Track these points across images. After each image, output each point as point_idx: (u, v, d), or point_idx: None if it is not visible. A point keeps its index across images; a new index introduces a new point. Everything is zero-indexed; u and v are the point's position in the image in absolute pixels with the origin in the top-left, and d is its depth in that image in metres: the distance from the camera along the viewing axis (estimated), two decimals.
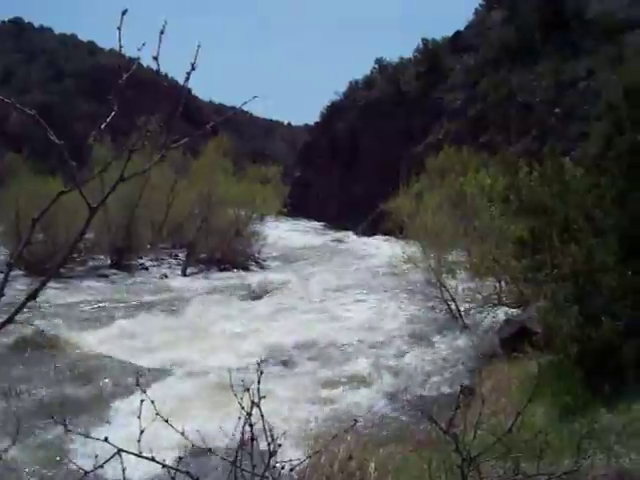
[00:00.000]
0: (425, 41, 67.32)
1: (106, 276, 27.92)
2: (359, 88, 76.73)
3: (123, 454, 2.38)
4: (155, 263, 32.52)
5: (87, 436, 2.43)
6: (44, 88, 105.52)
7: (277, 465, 2.70)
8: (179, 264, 32.32)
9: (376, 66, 77.19)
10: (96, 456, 2.31)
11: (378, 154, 59.95)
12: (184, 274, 30.08)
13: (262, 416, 2.42)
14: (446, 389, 12.37)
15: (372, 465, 7.52)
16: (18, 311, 1.81)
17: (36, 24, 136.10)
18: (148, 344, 15.43)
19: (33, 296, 1.83)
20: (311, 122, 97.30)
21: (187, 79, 1.91)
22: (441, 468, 4.41)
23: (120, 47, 2.00)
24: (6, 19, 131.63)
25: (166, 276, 29.34)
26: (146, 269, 31.03)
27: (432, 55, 64.53)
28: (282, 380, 12.78)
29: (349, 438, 8.29)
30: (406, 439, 8.84)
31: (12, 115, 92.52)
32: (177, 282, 26.97)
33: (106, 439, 2.37)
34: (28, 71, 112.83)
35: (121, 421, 9.81)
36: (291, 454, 2.67)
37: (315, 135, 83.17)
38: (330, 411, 11.14)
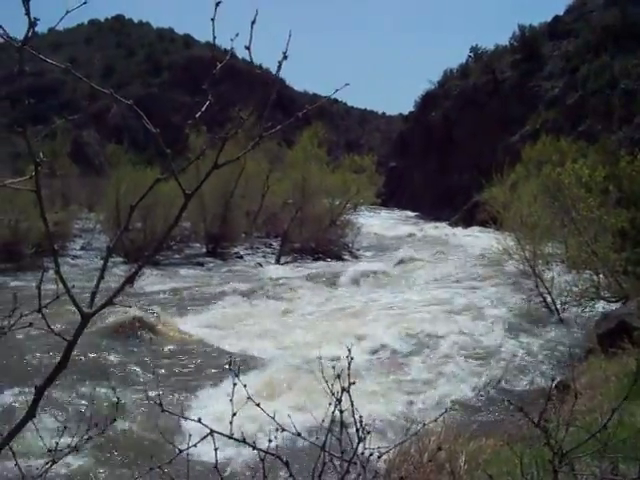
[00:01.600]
0: (522, 28, 65.91)
1: (202, 264, 28.47)
2: (454, 77, 75.88)
3: (215, 435, 2.46)
4: (250, 252, 32.98)
5: (181, 416, 2.51)
6: (143, 81, 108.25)
7: (365, 451, 2.72)
8: (273, 253, 32.69)
9: (471, 54, 76.16)
10: (190, 436, 2.39)
11: (473, 144, 59.21)
12: (278, 263, 30.39)
13: (352, 402, 2.44)
14: (539, 383, 12.11)
15: (462, 457, 7.45)
16: (117, 293, 1.88)
17: (135, 20, 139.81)
18: (242, 330, 15.71)
19: (131, 279, 1.91)
20: (406, 112, 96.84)
21: (279, 68, 1.93)
22: (533, 464, 4.35)
23: (214, 38, 2.03)
24: (109, 16, 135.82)
25: (260, 265, 29.71)
26: (241, 257, 31.51)
27: (529, 42, 63.11)
28: (372, 368, 12.82)
29: (439, 429, 8.23)
30: (497, 432, 8.73)
31: (113, 108, 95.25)
32: (271, 271, 27.24)
33: (199, 420, 2.44)
34: (128, 65, 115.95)
35: (214, 404, 10.02)
36: (379, 443, 2.66)
37: (410, 125, 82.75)
38: (420, 401, 11.11)
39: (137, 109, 1.80)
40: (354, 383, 2.43)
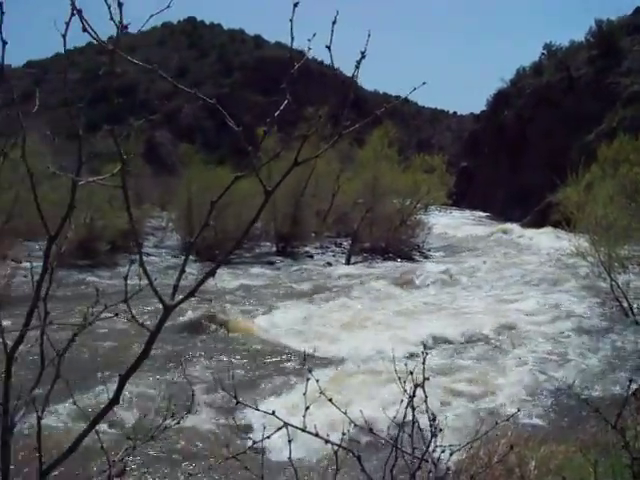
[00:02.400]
0: (599, 22, 64.17)
1: (272, 263, 28.71)
2: (527, 75, 74.51)
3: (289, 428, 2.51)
4: (320, 251, 33.11)
5: (256, 409, 2.56)
6: (215, 82, 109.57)
7: (437, 449, 2.74)
8: (343, 253, 32.74)
9: (545, 51, 74.62)
10: (264, 428, 2.44)
11: (546, 143, 58.09)
12: (348, 262, 30.42)
13: (426, 397, 2.46)
14: (614, 390, 11.77)
15: (532, 462, 7.37)
16: (198, 286, 1.95)
17: (207, 21, 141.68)
18: (312, 329, 15.80)
19: (211, 273, 1.97)
20: (477, 111, 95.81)
21: (357, 67, 1.95)
22: (609, 472, 4.28)
23: (292, 39, 2.07)
24: (181, 18, 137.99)
25: (330, 264, 29.79)
26: (311, 257, 31.65)
27: (606, 37, 61.32)
28: (442, 367, 12.74)
29: (509, 433, 8.16)
30: (569, 438, 8.58)
31: (185, 108, 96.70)
32: (341, 270, 27.31)
33: (273, 412, 2.50)
34: (201, 66, 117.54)
35: (285, 398, 10.16)
36: (447, 442, 2.68)
37: (481, 124, 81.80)
38: (489, 403, 10.99)
39: (220, 108, 1.85)
40: (428, 379, 2.45)
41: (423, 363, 2.46)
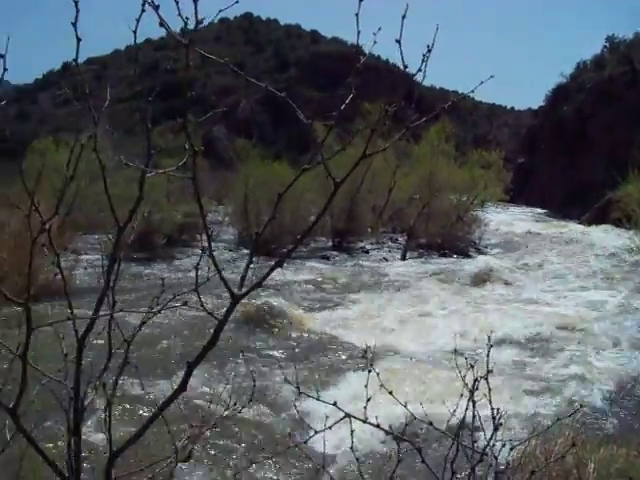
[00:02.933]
0: None
1: (328, 258, 28.74)
2: (587, 69, 73.32)
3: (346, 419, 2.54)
4: (375, 246, 33.06)
5: (318, 399, 2.60)
6: (271, 77, 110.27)
7: (497, 443, 2.74)
8: (399, 248, 32.64)
9: (607, 44, 73.31)
10: (327, 417, 2.48)
11: (607, 139, 57.13)
12: (404, 258, 30.32)
13: (489, 389, 2.47)
14: None
15: (591, 465, 7.26)
16: (266, 277, 1.99)
17: (263, 17, 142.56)
18: (368, 324, 15.81)
19: (279, 264, 2.01)
20: (536, 106, 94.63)
21: (424, 61, 1.95)
22: None
23: (358, 33, 2.08)
24: (237, 14, 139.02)
25: (386, 259, 29.73)
26: (366, 252, 31.62)
27: None
28: (500, 363, 12.61)
29: (567, 432, 8.04)
30: (630, 442, 8.42)
31: (242, 103, 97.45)
32: (397, 266, 27.23)
33: (335, 404, 2.53)
34: (257, 61, 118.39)
35: (344, 390, 10.20)
36: (504, 438, 2.69)
37: (539, 120, 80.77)
38: (548, 400, 10.85)
39: (290, 101, 1.88)
40: (491, 371, 2.45)
41: (487, 356, 2.46)
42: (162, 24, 1.72)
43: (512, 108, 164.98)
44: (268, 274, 2.01)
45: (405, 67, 1.85)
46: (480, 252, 33.35)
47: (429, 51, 2.00)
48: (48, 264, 15.86)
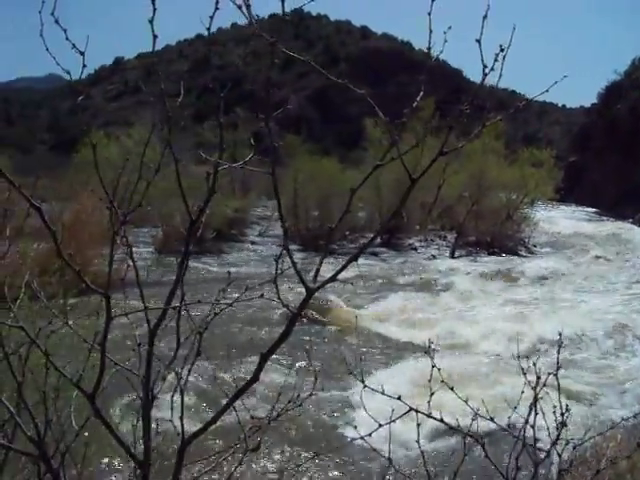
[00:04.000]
0: None
1: (376, 254, 28.72)
2: None
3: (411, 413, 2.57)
4: (424, 244, 32.96)
5: (383, 393, 2.62)
6: (321, 73, 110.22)
7: (559, 441, 2.74)
8: (447, 246, 32.51)
9: None
10: (393, 410, 2.51)
11: None
12: (452, 256, 30.21)
13: (559, 386, 2.47)
14: None
15: None
16: (341, 271, 2.02)
17: (314, 12, 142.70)
18: (415, 320, 15.79)
19: (355, 258, 2.04)
20: (588, 104, 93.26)
21: (496, 60, 1.94)
22: None
23: (430, 32, 2.07)
24: (288, 10, 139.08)
25: (434, 257, 29.66)
26: (415, 249, 31.56)
27: None
28: (551, 365, 12.49)
29: (619, 436, 7.94)
30: None
31: (291, 99, 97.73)
32: (445, 263, 27.13)
33: (399, 398, 2.56)
34: (306, 56, 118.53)
35: (402, 386, 10.22)
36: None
37: (592, 118, 79.52)
38: (593, 408, 10.73)
39: (369, 99, 1.90)
40: (560, 367, 2.45)
41: (558, 353, 2.46)
42: (251, 22, 1.76)
43: (564, 106, 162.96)
44: (343, 268, 2.05)
45: (485, 67, 1.86)
46: (530, 251, 33.05)
47: (502, 50, 1.98)
48: (100, 256, 16.10)
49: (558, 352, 2.50)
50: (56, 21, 2.05)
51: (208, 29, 2.16)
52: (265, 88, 1.98)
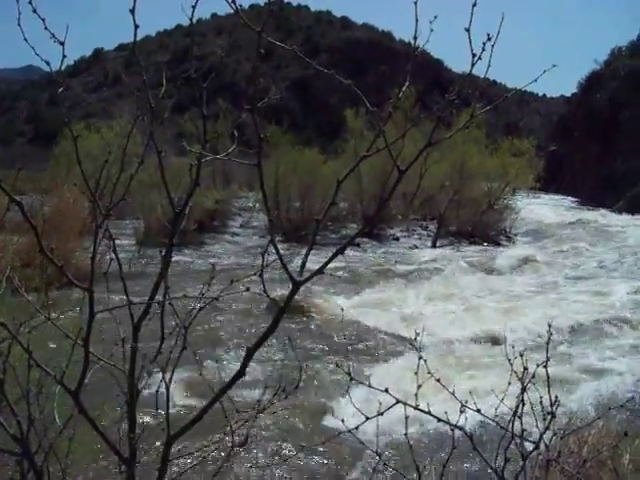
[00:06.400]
0: None
1: (358, 245, 28.57)
2: (622, 55, 72.10)
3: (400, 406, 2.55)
4: (405, 234, 33.02)
5: (369, 386, 2.60)
6: (301, 63, 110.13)
7: (548, 432, 2.73)
8: (429, 236, 32.60)
9: None
10: (380, 403, 2.48)
11: None
12: (434, 246, 30.30)
13: (548, 377, 2.46)
14: None
15: (627, 456, 7.19)
16: (327, 264, 1.99)
17: (294, 3, 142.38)
18: (399, 311, 15.79)
19: (341, 250, 2.01)
20: (568, 94, 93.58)
21: (483, 50, 1.93)
22: None
23: (416, 21, 2.05)
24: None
25: (416, 247, 29.73)
26: (397, 239, 31.61)
27: None
28: (532, 355, 12.54)
29: (601, 424, 7.97)
30: None
31: (271, 89, 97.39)
32: (427, 253, 27.18)
33: (386, 390, 2.53)
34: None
35: (385, 378, 10.22)
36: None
37: (572, 107, 79.72)
38: (581, 393, 10.77)
39: (356, 90, 1.87)
40: (549, 359, 2.44)
41: (547, 343, 2.45)
42: (237, 11, 1.73)
43: (544, 95, 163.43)
44: (329, 261, 2.02)
45: (474, 55, 1.83)
46: (511, 240, 33.21)
47: (489, 39, 1.96)
48: (81, 249, 16.00)
49: (547, 343, 2.49)
50: (34, 10, 2.01)
51: (190, 19, 2.12)
52: (252, 78, 1.94)
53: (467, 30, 1.87)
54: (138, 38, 2.15)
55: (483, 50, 1.96)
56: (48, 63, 2.12)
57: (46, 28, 2.08)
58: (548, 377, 2.49)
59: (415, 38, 2.01)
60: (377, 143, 2.02)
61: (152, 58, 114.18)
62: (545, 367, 2.48)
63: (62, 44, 2.11)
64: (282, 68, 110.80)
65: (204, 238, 27.91)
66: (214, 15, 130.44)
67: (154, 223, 24.56)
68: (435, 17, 2.05)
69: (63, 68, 2.15)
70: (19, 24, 2.11)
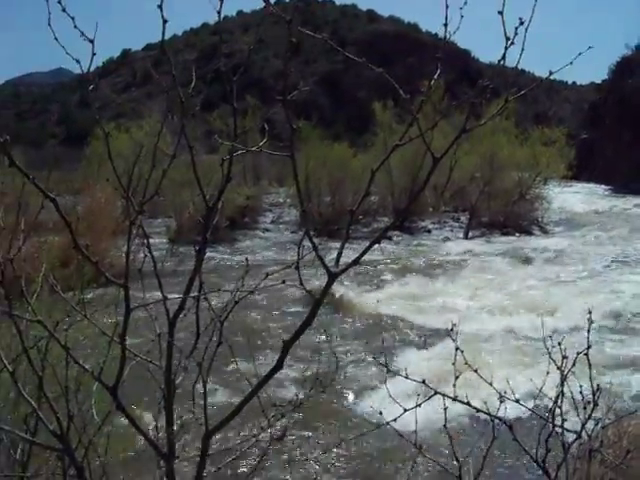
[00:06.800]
0: None
1: (390, 238, 28.59)
2: None
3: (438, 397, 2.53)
4: (437, 226, 32.89)
5: (407, 377, 2.58)
6: (328, 58, 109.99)
7: (588, 422, 2.69)
8: (461, 227, 32.43)
9: None
10: (418, 395, 2.47)
11: None
12: (466, 237, 30.15)
13: (589, 366, 2.42)
14: None
15: None
16: (363, 254, 1.98)
17: None
18: (434, 303, 15.73)
19: (377, 241, 1.99)
20: (599, 80, 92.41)
21: (512, 42, 1.89)
22: None
23: (447, 7, 2.01)
24: None
25: (448, 239, 29.61)
26: (428, 232, 31.51)
27: None
28: (570, 345, 12.39)
29: None
30: None
31: (300, 85, 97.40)
32: (459, 245, 27.06)
33: (424, 381, 2.52)
34: (314, 42, 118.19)
35: (423, 370, 10.19)
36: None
37: (603, 94, 78.74)
38: (619, 385, 10.63)
39: (387, 76, 1.85)
40: (590, 347, 2.40)
41: (588, 332, 2.41)
42: (266, 2, 1.71)
43: (574, 83, 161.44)
44: (365, 252, 2.01)
45: (507, 39, 1.79)
46: (543, 230, 32.92)
47: (522, 23, 1.92)
48: (115, 248, 16.13)
49: (588, 331, 2.45)
50: (63, 9, 2.01)
51: (219, 12, 2.11)
52: (284, 69, 1.93)
53: (500, 13, 1.83)
54: (165, 37, 2.15)
55: (516, 34, 1.92)
56: (78, 61, 2.13)
57: (75, 26, 2.08)
58: (590, 365, 2.46)
59: (445, 25, 1.97)
60: (409, 132, 2.01)
61: (179, 57, 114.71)
62: (586, 355, 2.44)
63: (92, 42, 2.11)
64: (310, 63, 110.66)
65: (236, 235, 28.02)
66: (240, 12, 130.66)
67: (186, 221, 24.72)
68: (465, 3, 2.02)
69: (93, 68, 2.15)
70: (49, 24, 2.12)
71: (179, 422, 2.38)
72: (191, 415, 2.39)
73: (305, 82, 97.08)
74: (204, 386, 2.32)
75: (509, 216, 32.38)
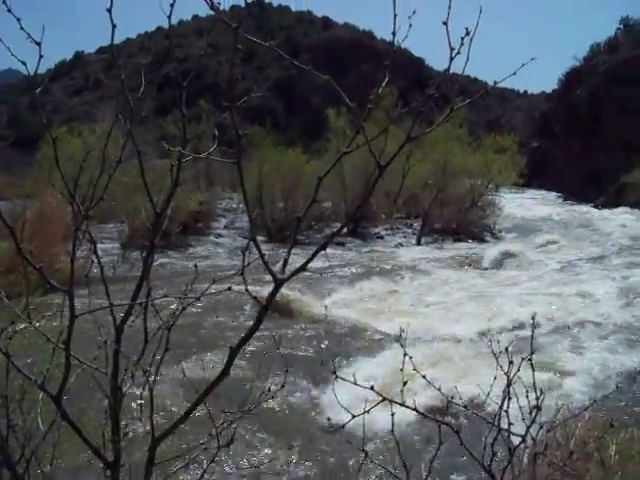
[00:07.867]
0: None
1: (342, 244, 28.72)
2: (601, 52, 72.45)
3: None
4: (390, 232, 33.08)
5: (355, 383, 2.59)
6: (282, 64, 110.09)
7: (533, 425, 2.73)
8: (414, 233, 32.66)
9: (621, 26, 72.43)
10: (367, 401, 2.48)
11: (621, 123, 56.69)
12: (418, 243, 30.38)
13: (533, 371, 2.46)
14: None
15: (613, 447, 7.22)
16: (309, 261, 1.98)
17: (275, 3, 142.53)
18: (384, 309, 15.83)
19: (323, 247, 2.00)
20: (549, 90, 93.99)
21: (462, 44, 1.92)
22: None
23: (395, 16, 2.03)
24: (248, 1, 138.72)
25: (401, 245, 29.79)
26: (381, 238, 31.67)
27: None
28: (513, 349, 12.56)
29: (587, 416, 8.00)
30: None
31: (254, 90, 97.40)
32: (411, 251, 27.23)
33: (372, 387, 2.53)
34: (268, 48, 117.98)
35: (369, 376, 10.20)
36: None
37: (553, 103, 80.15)
38: (566, 389, 10.81)
39: (335, 85, 1.87)
40: (533, 353, 2.44)
41: (532, 338, 2.45)
42: (213, 7, 1.71)
43: (525, 92, 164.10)
44: (311, 258, 2.01)
45: (452, 49, 1.82)
46: (495, 236, 33.33)
47: (467, 34, 1.95)
48: (65, 254, 15.92)
49: (532, 336, 2.49)
50: (9, 10, 1.99)
51: (169, 17, 2.10)
52: (230, 76, 1.93)
53: (445, 24, 1.86)
54: (118, 40, 2.13)
55: (462, 44, 1.95)
56: (24, 63, 2.10)
57: (22, 28, 2.05)
58: (533, 370, 2.49)
59: (394, 33, 1.99)
60: (358, 140, 2.02)
61: (133, 60, 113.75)
62: (530, 361, 2.47)
63: (38, 44, 2.08)
64: (264, 69, 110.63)
65: (189, 240, 27.82)
66: (195, 17, 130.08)
67: (138, 226, 24.46)
68: (414, 12, 2.04)
69: (42, 71, 2.12)
70: None
71: (125, 430, 2.35)
72: (138, 423, 2.37)
73: (258, 88, 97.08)
74: (151, 393, 2.30)
75: (461, 223, 32.74)
